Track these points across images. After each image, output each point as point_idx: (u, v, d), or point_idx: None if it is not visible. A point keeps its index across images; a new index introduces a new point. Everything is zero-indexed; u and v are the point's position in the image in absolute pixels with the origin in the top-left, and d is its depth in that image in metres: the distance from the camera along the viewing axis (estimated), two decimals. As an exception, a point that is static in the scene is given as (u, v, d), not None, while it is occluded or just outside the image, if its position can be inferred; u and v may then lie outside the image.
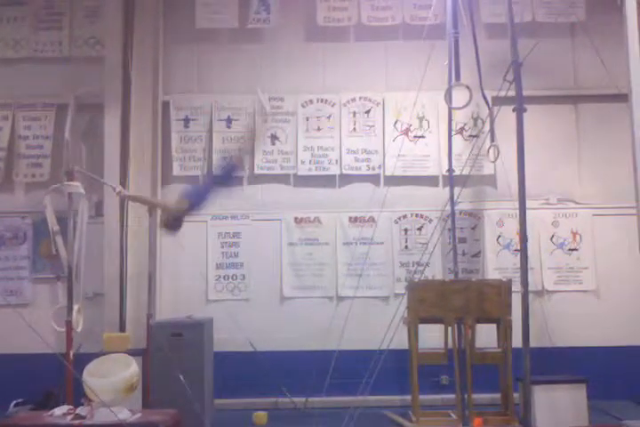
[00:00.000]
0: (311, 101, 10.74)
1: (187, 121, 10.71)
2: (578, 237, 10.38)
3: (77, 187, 7.51)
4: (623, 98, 8.61)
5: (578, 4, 10.53)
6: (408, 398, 8.79)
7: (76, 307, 7.50)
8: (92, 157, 10.37)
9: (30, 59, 10.80)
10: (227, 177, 8.57)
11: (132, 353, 7.48)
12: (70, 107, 10.40)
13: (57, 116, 10.59)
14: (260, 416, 8.93)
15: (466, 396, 8.28)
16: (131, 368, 6.92)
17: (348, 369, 9.22)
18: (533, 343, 7.96)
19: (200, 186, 9.49)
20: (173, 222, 7.74)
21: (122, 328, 9.51)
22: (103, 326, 9.32)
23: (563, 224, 10.41)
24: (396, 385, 9.48)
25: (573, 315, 9.98)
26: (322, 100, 10.74)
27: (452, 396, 8.61)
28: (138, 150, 10.17)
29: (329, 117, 10.71)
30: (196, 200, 7.83)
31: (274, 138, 10.66)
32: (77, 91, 10.45)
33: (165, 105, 10.67)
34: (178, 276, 10.27)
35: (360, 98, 10.74)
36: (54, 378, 8.01)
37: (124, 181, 9.84)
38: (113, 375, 6.78)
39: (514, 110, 8.14)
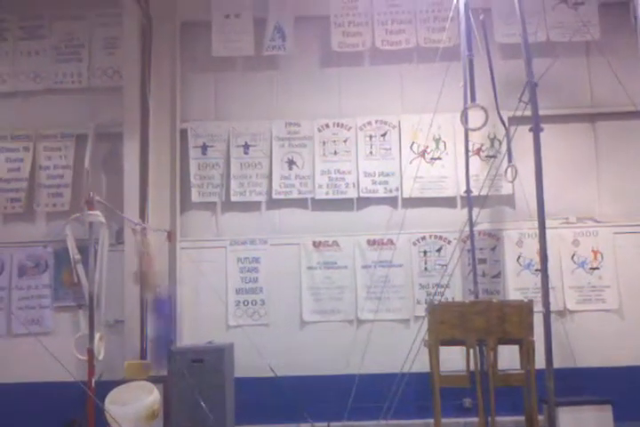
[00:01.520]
0: (327, 126, 10.81)
1: (204, 148, 10.82)
2: (599, 255, 10.28)
3: (98, 216, 7.60)
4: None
5: (592, 22, 10.51)
6: (431, 421, 8.66)
7: (97, 335, 7.53)
8: (111, 185, 10.52)
9: (50, 90, 11.01)
10: None
11: (154, 380, 7.53)
12: (90, 136, 10.57)
13: (77, 145, 10.76)
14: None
15: (489, 419, 8.16)
16: (152, 395, 6.96)
17: (369, 393, 9.16)
18: (557, 364, 7.86)
19: None
20: None
21: (143, 355, 9.53)
22: (124, 354, 9.36)
23: (583, 243, 10.33)
24: (419, 409, 9.40)
25: (597, 334, 9.85)
26: (338, 125, 10.81)
27: (475, 419, 8.50)
28: (157, 178, 10.28)
29: (345, 141, 10.77)
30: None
31: (291, 163, 10.72)
32: (97, 120, 10.62)
33: (183, 132, 10.79)
34: (198, 302, 10.31)
35: (376, 121, 10.80)
36: (76, 407, 8.05)
37: (143, 209, 9.95)
38: (135, 403, 6.83)
39: (530, 130, 8.13)
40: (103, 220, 7.68)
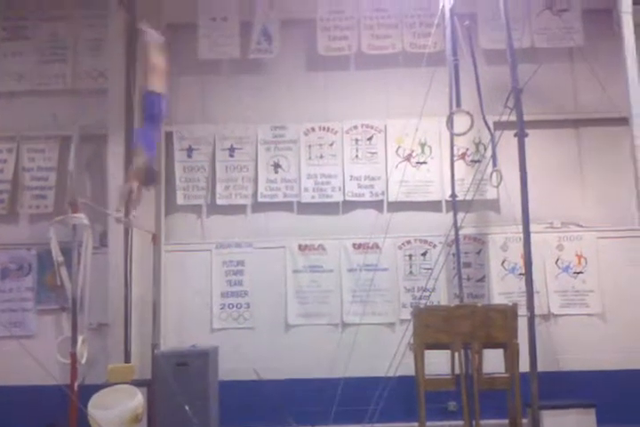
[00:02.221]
0: (313, 129, 10.81)
1: (190, 151, 10.78)
2: (583, 260, 10.33)
3: (82, 218, 7.55)
4: (624, 121, 8.66)
5: (576, 29, 10.60)
6: (415, 424, 8.66)
7: (80, 338, 7.47)
8: (96, 187, 10.46)
9: (34, 91, 10.91)
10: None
11: (137, 384, 7.47)
12: (74, 138, 10.47)
13: (61, 147, 10.70)
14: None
15: (474, 422, 8.17)
16: (136, 399, 6.91)
17: (354, 396, 9.12)
18: (541, 368, 7.89)
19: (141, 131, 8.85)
20: (147, 175, 7.81)
21: (126, 359, 9.47)
22: (107, 357, 9.29)
23: (567, 247, 10.38)
24: (404, 412, 9.39)
25: (580, 338, 9.90)
26: (324, 128, 10.80)
27: (460, 422, 8.51)
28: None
29: (331, 145, 10.77)
30: (145, 143, 7.94)
31: (277, 166, 10.71)
32: (81, 122, 10.54)
33: (169, 135, 10.75)
34: (182, 305, 10.26)
35: (362, 125, 10.80)
36: (58, 411, 7.94)
37: (128, 211, 9.88)
38: (118, 407, 6.78)
39: (515, 135, 8.17)
40: (87, 222, 7.62)
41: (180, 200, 10.63)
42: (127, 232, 9.80)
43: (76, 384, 7.12)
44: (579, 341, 9.85)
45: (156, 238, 10.01)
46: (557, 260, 10.35)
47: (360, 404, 8.60)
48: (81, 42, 11.07)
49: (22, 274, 10.42)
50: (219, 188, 10.61)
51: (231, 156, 10.74)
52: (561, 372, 9.23)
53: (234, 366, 9.55)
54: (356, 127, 10.80)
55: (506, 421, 8.45)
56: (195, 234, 10.62)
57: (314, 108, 10.88)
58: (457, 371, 8.38)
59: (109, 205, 9.75)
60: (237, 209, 10.65)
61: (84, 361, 7.49)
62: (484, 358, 8.31)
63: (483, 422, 8.17)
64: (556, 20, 10.52)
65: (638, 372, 9.65)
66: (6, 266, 10.45)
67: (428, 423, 8.29)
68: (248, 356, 9.59)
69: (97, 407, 6.72)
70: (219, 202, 10.60)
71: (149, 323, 9.45)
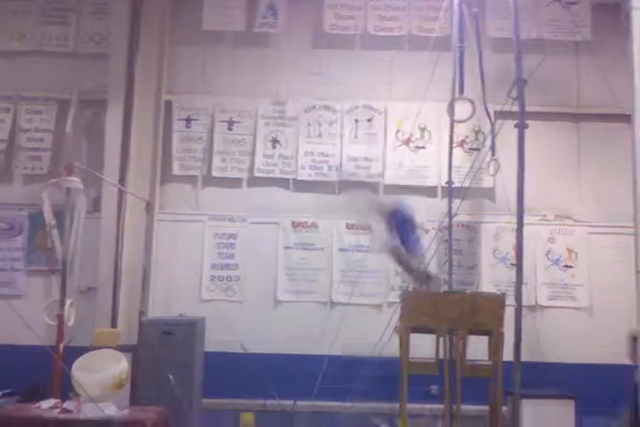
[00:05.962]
0: (314, 107, 10.74)
1: (188, 121, 10.71)
2: (573, 254, 10.39)
3: (76, 182, 7.53)
4: (625, 118, 8.67)
5: (584, 23, 10.57)
6: (397, 405, 8.74)
7: (68, 301, 7.48)
8: (92, 152, 10.36)
9: (35, 52, 10.78)
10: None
11: (122, 349, 7.47)
12: (73, 102, 10.39)
13: (59, 110, 10.57)
14: (247, 417, 8.89)
15: (454, 407, 8.24)
16: (120, 365, 6.91)
17: (338, 375, 9.17)
18: (524, 358, 7.95)
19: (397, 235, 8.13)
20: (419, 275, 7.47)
21: (113, 324, 9.47)
22: (94, 321, 9.28)
23: (559, 241, 10.42)
24: (386, 393, 9.43)
25: (565, 331, 9.97)
26: (324, 107, 10.75)
27: (440, 406, 8.59)
28: (138, 148, 10.18)
29: (331, 124, 10.72)
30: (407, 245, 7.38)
31: (275, 142, 10.66)
32: (81, 86, 10.45)
33: (168, 104, 10.67)
34: (172, 274, 10.22)
35: (363, 106, 10.75)
36: (42, 372, 7.93)
37: (123, 178, 9.85)
38: (102, 371, 6.77)
39: (516, 126, 8.17)
40: (81, 186, 7.60)
41: (175, 170, 10.56)
42: (121, 199, 9.74)
43: (61, 346, 7.14)
44: (564, 333, 9.91)
45: (149, 207, 9.95)
46: (548, 252, 10.39)
47: (343, 382, 8.65)
48: (85, 4, 10.94)
49: (13, 234, 10.34)
50: (215, 160, 10.55)
51: (230, 129, 10.67)
52: (544, 363, 9.28)
53: (220, 337, 9.56)
54: (356, 107, 10.75)
55: (486, 407, 8.58)
56: (189, 205, 10.58)
57: (316, 85, 10.80)
58: (441, 356, 8.47)
59: (105, 171, 9.71)
60: (233, 183, 10.59)
61: (71, 324, 7.51)
62: (469, 345, 8.39)
63: (463, 407, 8.28)
64: (564, 13, 10.46)
65: (620, 367, 9.71)
66: (-2, 225, 10.40)
67: (410, 405, 8.37)
68: (235, 329, 9.58)
69: (81, 370, 6.71)
70: (214, 174, 10.55)
71: (138, 290, 9.43)
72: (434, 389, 9.65)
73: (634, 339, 8.51)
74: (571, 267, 10.35)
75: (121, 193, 9.83)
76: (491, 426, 8.36)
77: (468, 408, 8.50)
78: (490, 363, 8.37)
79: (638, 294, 8.56)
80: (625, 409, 8.60)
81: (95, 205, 9.90)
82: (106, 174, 9.52)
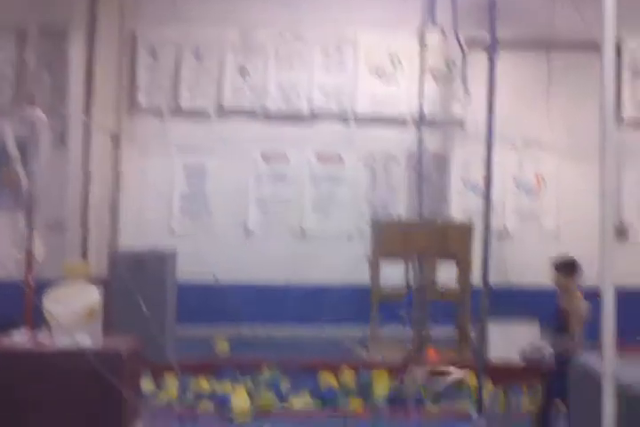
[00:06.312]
0: (283, 36, 10.53)
1: (154, 52, 10.47)
2: (542, 181, 10.48)
3: (39, 114, 7.38)
4: (596, 48, 8.57)
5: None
6: (367, 328, 8.91)
7: (36, 235, 7.43)
8: (56, 85, 10.11)
9: (-8, -20, 10.41)
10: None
11: (94, 282, 7.47)
12: (32, 32, 10.06)
13: (18, 40, 10.25)
14: (222, 343, 9.08)
15: (423, 330, 8.45)
16: (92, 295, 6.91)
17: (310, 302, 9.33)
18: (492, 282, 8.08)
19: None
20: None
21: (83, 257, 9.47)
22: (64, 255, 9.25)
23: (527, 168, 10.50)
24: (357, 319, 9.61)
25: (533, 256, 10.11)
26: (294, 36, 10.54)
27: (409, 329, 8.77)
28: (103, 80, 9.95)
29: (300, 53, 10.54)
30: None
31: (243, 71, 10.46)
32: (42, 16, 10.10)
33: (133, 34, 10.42)
34: (142, 208, 10.16)
35: (332, 34, 10.57)
36: (14, 305, 7.96)
37: (88, 111, 9.66)
38: (74, 302, 6.77)
39: (486, 51, 8.06)
40: (45, 118, 7.45)
41: (142, 102, 10.39)
42: (87, 132, 9.59)
43: (30, 278, 7.13)
44: (531, 258, 10.07)
45: (116, 139, 9.81)
46: (516, 180, 10.47)
47: (315, 309, 8.79)
48: None
49: (-24, 169, 10.21)
50: (183, 91, 10.38)
51: (197, 58, 10.47)
52: (511, 287, 9.45)
53: (192, 269, 9.60)
54: (326, 36, 10.56)
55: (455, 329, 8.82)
56: (157, 137, 10.42)
57: (285, 14, 10.52)
58: (411, 282, 8.65)
59: (69, 103, 9.52)
60: (201, 115, 10.46)
61: (40, 259, 7.48)
62: (438, 271, 8.56)
63: (432, 329, 8.51)
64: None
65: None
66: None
67: (380, 330, 8.60)
68: (207, 260, 9.60)
69: (53, 302, 6.72)
70: (182, 105, 10.39)
71: (108, 223, 9.39)
72: (403, 313, 9.85)
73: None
74: (538, 194, 10.45)
75: (87, 127, 9.66)
76: (459, 348, 8.64)
77: (437, 330, 8.74)
78: (458, 287, 8.60)
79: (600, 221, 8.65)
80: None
81: (62, 139, 9.73)
82: (70, 107, 9.33)
